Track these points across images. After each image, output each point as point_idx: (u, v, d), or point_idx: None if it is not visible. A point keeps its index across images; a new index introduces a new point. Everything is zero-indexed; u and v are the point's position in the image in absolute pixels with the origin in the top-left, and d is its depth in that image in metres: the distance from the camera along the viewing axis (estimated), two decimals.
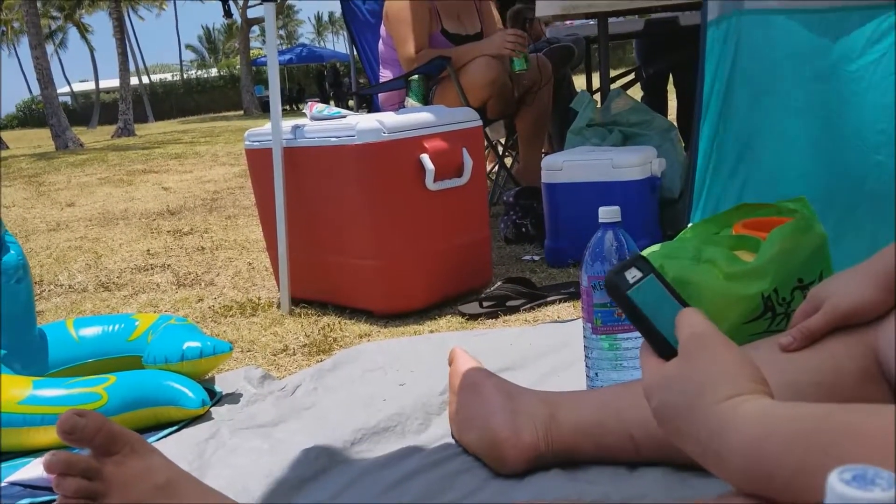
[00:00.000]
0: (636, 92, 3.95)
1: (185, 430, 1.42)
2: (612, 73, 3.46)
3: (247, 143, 2.22)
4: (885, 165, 1.44)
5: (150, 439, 1.38)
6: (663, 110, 4.10)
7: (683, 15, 3.59)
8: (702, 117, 1.73)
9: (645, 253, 1.34)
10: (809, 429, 0.59)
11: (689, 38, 3.58)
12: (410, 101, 2.95)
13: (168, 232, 3.68)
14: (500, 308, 1.97)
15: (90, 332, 1.68)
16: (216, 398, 1.54)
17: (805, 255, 1.29)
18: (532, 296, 2.02)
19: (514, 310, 1.97)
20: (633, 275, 0.79)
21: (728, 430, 0.66)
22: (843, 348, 0.93)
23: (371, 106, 3.36)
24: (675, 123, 3.53)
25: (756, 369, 0.70)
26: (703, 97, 1.72)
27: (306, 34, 77.47)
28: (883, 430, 0.55)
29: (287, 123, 2.12)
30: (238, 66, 29.04)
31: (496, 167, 3.58)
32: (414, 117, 2.05)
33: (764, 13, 1.59)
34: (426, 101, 2.93)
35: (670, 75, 4.10)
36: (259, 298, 2.30)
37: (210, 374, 1.64)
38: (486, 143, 3.09)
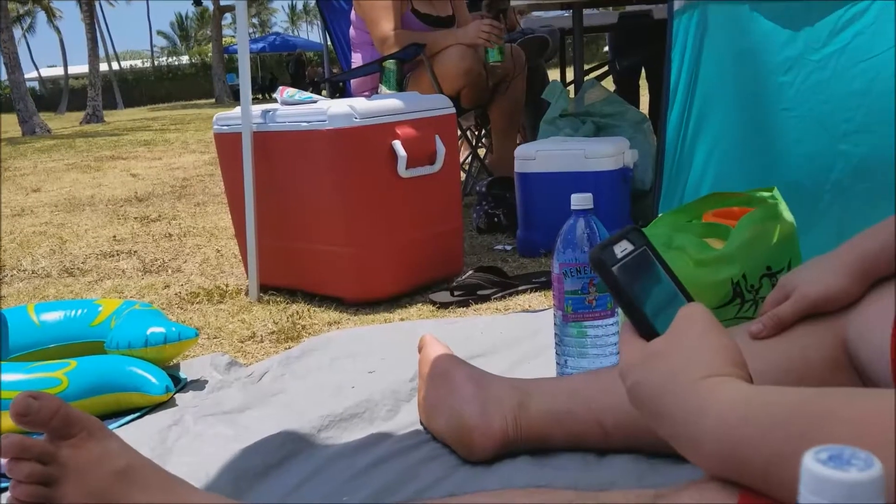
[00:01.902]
0: (609, 85, 3.96)
1: (147, 417, 1.39)
2: (586, 67, 3.45)
3: (216, 127, 2.18)
4: (850, 154, 1.45)
5: (112, 426, 1.35)
6: (635, 103, 4.11)
7: (656, 8, 3.59)
8: (669, 107, 1.73)
9: None
10: (786, 413, 0.59)
11: (661, 31, 3.60)
12: (384, 89, 2.92)
13: (135, 218, 3.62)
14: (470, 297, 1.96)
15: (52, 316, 1.64)
16: (181, 384, 1.52)
17: (773, 244, 1.29)
18: (503, 285, 2.01)
19: (485, 299, 1.96)
20: (622, 248, 0.75)
21: (704, 412, 0.65)
22: (813, 337, 0.93)
23: (344, 94, 3.33)
24: (648, 116, 3.54)
25: (738, 353, 0.69)
26: (669, 87, 1.72)
27: (280, 23, 76.88)
28: (860, 415, 0.55)
29: (257, 107, 2.09)
30: (210, 54, 28.69)
31: (469, 157, 3.57)
32: (386, 103, 2.02)
33: (729, 3, 1.59)
34: (400, 87, 2.91)
35: (643, 69, 4.11)
36: (227, 285, 2.26)
37: (175, 361, 1.61)
38: (459, 132, 3.07)
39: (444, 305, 1.94)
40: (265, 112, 2.06)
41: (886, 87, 1.35)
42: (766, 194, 1.38)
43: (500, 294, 1.98)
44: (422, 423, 1.22)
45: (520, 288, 2.00)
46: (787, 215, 1.31)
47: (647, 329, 0.74)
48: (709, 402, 0.65)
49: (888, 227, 0.90)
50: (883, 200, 1.37)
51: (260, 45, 31.01)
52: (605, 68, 4.08)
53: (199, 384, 1.51)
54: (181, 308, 2.09)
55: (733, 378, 0.66)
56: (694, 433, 0.65)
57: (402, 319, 1.87)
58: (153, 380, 1.42)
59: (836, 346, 0.92)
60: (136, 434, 1.27)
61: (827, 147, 1.46)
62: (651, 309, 0.74)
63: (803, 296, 0.93)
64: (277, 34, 37.59)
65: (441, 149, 2.08)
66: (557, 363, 1.31)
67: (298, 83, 24.30)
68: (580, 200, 1.29)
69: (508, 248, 2.51)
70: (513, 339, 1.62)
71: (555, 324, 1.31)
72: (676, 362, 0.69)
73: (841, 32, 1.40)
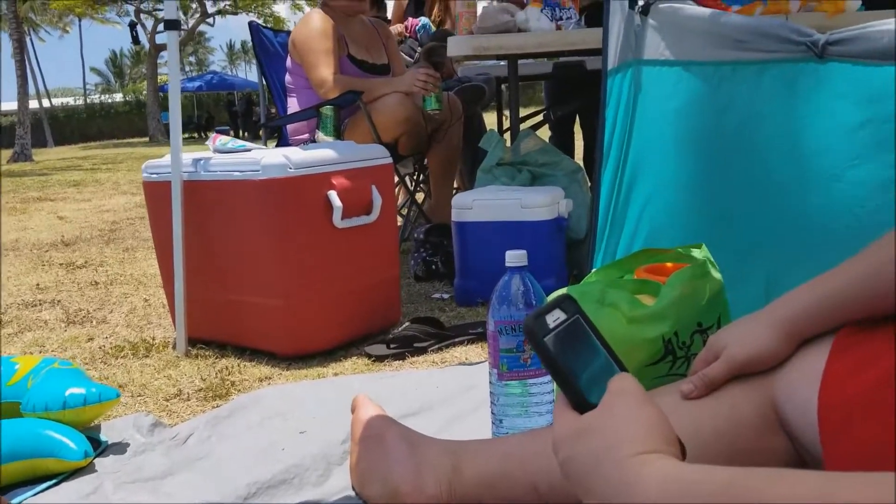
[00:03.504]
0: (545, 132, 4.02)
1: (64, 484, 1.32)
2: (522, 113, 3.51)
3: (145, 175, 2.13)
4: (779, 211, 1.48)
5: (26, 495, 1.28)
6: (570, 150, 4.19)
7: (590, 59, 3.68)
8: (603, 163, 1.76)
9: (550, 297, 1.33)
10: (714, 494, 0.58)
11: (594, 81, 3.69)
12: (321, 135, 2.91)
13: (60, 265, 3.50)
14: (406, 350, 1.93)
15: None
16: (101, 448, 1.45)
17: (703, 300, 1.31)
18: (439, 337, 1.99)
19: (422, 351, 1.94)
20: (555, 318, 0.74)
21: (634, 491, 0.64)
22: (744, 397, 0.94)
23: (281, 138, 3.31)
24: (583, 164, 3.60)
25: (670, 430, 0.69)
26: (604, 144, 1.75)
27: (218, 61, 76.28)
28: (783, 499, 0.54)
29: (188, 156, 2.04)
30: (145, 92, 28.29)
31: (407, 203, 3.57)
32: (321, 153, 2.01)
33: (661, 63, 1.63)
34: (338, 133, 2.90)
35: (577, 117, 4.20)
36: (154, 338, 2.19)
37: (96, 422, 1.53)
38: (396, 178, 3.07)
39: (379, 359, 1.90)
40: (196, 160, 2.01)
41: (814, 147, 1.39)
42: (694, 251, 1.40)
43: (436, 346, 1.96)
44: (354, 489, 1.18)
45: (456, 340, 1.99)
46: (716, 272, 1.33)
47: (579, 401, 0.73)
48: (639, 480, 0.64)
49: (813, 289, 0.91)
50: (810, 256, 1.41)
51: (197, 83, 30.73)
52: (541, 117, 4.15)
53: (120, 447, 1.44)
54: (104, 363, 2.01)
55: (664, 455, 0.66)
56: None
57: (336, 374, 1.83)
58: (71, 444, 1.36)
59: (766, 406, 0.93)
60: None
61: (757, 204, 1.50)
62: (584, 380, 0.74)
63: (732, 356, 0.94)
64: (215, 73, 37.28)
65: (377, 199, 2.07)
66: (493, 422, 1.29)
67: (248, 122, 24.15)
68: (515, 257, 1.29)
69: (446, 296, 2.50)
70: (449, 394, 1.60)
71: (490, 382, 1.30)
72: (608, 438, 0.68)
73: (768, 97, 1.44)
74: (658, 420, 0.69)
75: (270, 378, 1.83)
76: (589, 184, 2.94)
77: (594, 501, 0.68)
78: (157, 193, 2.08)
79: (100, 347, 2.14)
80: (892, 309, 0.86)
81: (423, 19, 4.16)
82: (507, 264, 1.28)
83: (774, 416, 0.92)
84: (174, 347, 2.07)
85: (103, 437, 1.49)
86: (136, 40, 22.14)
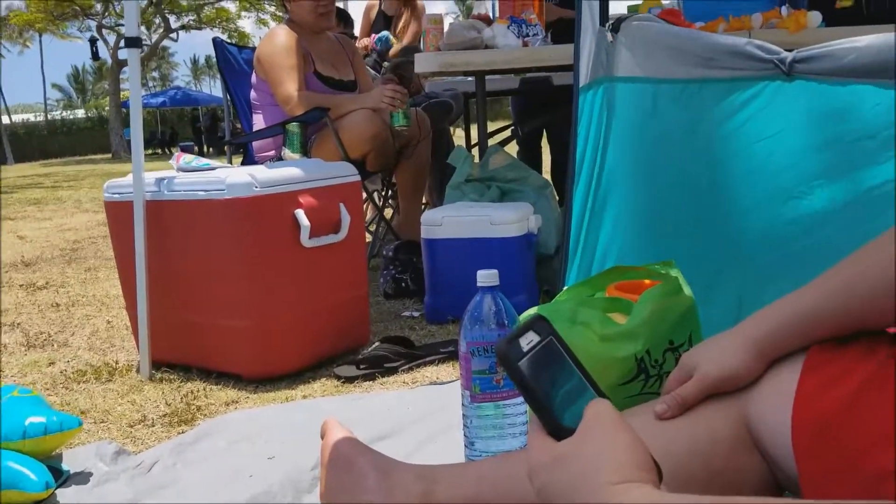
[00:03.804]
0: (512, 147, 4.04)
1: None
2: (491, 127, 3.51)
3: (106, 195, 2.08)
4: (748, 229, 1.49)
5: None
6: (538, 166, 4.20)
7: (556, 75, 3.70)
8: (575, 180, 1.75)
9: (521, 316, 1.32)
10: None
11: (561, 96, 3.71)
12: (288, 153, 2.88)
13: (20, 286, 3.41)
14: (377, 370, 1.91)
15: None
16: (63, 478, 1.40)
17: (675, 318, 1.31)
18: (410, 356, 1.97)
19: (392, 371, 1.91)
20: (528, 340, 0.73)
21: None
22: (717, 416, 0.93)
23: (246, 155, 3.27)
24: (550, 179, 3.62)
25: (647, 456, 0.68)
26: (575, 160, 1.75)
27: (182, 76, 75.56)
28: None
29: (151, 175, 2.00)
30: (107, 108, 27.93)
31: (376, 219, 3.55)
32: (288, 171, 1.98)
33: (632, 80, 1.64)
34: (305, 150, 2.87)
35: (544, 131, 4.22)
36: (117, 362, 2.14)
37: (57, 451, 1.48)
38: (364, 195, 3.05)
39: (349, 380, 1.88)
40: (159, 179, 1.98)
41: (782, 163, 1.40)
42: (665, 268, 1.40)
43: (407, 366, 1.93)
44: None
45: (427, 359, 1.97)
46: (687, 289, 1.32)
47: (554, 425, 0.71)
48: None
49: (783, 307, 0.91)
50: (780, 273, 1.41)
51: (160, 99, 30.41)
52: (509, 132, 4.17)
53: (82, 477, 1.40)
54: (66, 388, 1.96)
55: (642, 484, 0.65)
56: None
57: (304, 396, 1.80)
58: (31, 475, 1.31)
59: (740, 424, 0.92)
60: None
61: (727, 220, 1.50)
62: (559, 403, 0.72)
63: (705, 375, 0.93)
64: (179, 88, 36.92)
65: (346, 217, 2.05)
66: (465, 445, 1.27)
67: (213, 138, 23.95)
68: (486, 277, 1.27)
69: (416, 314, 2.48)
70: (420, 416, 1.58)
71: (462, 404, 1.28)
72: (585, 466, 0.67)
73: (736, 114, 1.45)
74: (634, 447, 0.68)
75: (237, 402, 1.79)
76: (557, 199, 2.95)
77: None
78: (119, 214, 2.04)
79: (61, 372, 2.08)
80: (862, 326, 0.86)
81: (384, 32, 4.17)
82: (479, 284, 1.27)
83: (748, 434, 0.92)
84: (138, 371, 2.02)
85: (65, 466, 1.44)
86: (95, 56, 21.86)
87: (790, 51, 1.38)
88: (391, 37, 4.15)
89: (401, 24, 4.21)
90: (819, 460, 0.82)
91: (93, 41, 21.09)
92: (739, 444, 0.92)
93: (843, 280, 0.87)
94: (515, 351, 0.73)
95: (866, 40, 1.28)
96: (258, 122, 3.06)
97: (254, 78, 3.04)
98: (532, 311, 1.40)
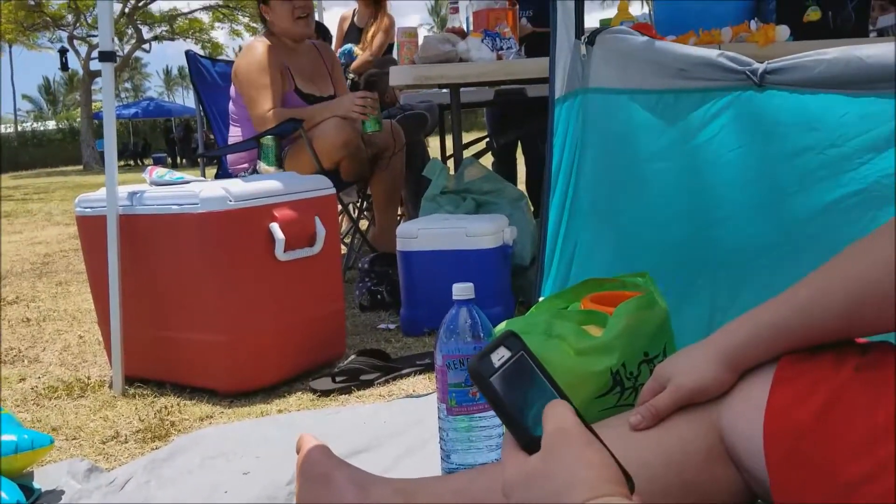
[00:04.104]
0: (487, 159, 4.05)
1: None
2: (465, 139, 3.53)
3: (78, 209, 2.06)
4: (720, 239, 1.51)
5: None
6: (513, 177, 4.22)
7: (530, 87, 3.73)
8: (550, 192, 1.77)
9: (496, 329, 1.33)
10: None
11: (536, 108, 3.74)
12: (263, 165, 2.87)
13: None
14: (353, 383, 1.90)
15: None
16: (34, 497, 1.38)
17: (650, 330, 1.32)
18: (386, 369, 1.97)
19: (368, 384, 1.91)
20: (500, 356, 0.74)
21: None
22: (690, 427, 0.94)
23: (220, 168, 3.25)
24: (525, 190, 3.64)
25: (617, 471, 0.68)
26: (551, 172, 1.76)
27: (155, 87, 74.91)
28: None
29: (124, 189, 1.98)
30: (79, 119, 27.62)
31: (351, 230, 3.54)
32: (263, 185, 1.97)
33: (607, 92, 1.66)
34: (279, 163, 2.87)
35: (519, 143, 4.24)
36: (89, 377, 2.11)
37: (28, 469, 1.46)
38: (339, 206, 3.05)
39: (325, 393, 1.87)
40: (132, 193, 1.96)
41: (755, 173, 1.42)
42: (639, 279, 1.41)
43: (383, 379, 1.93)
44: None
45: (403, 371, 1.96)
46: (661, 301, 1.34)
47: (527, 441, 0.72)
48: None
49: (754, 318, 0.93)
50: (753, 282, 1.43)
51: (133, 110, 30.17)
52: (484, 144, 4.19)
53: (55, 495, 1.38)
54: (37, 404, 1.93)
55: (616, 497, 0.65)
56: None
57: (280, 410, 1.78)
58: (3, 494, 1.29)
59: (713, 435, 0.94)
60: None
61: (700, 230, 1.52)
62: (531, 418, 0.73)
63: (678, 386, 0.94)
64: (151, 99, 36.69)
65: (321, 230, 2.04)
66: (442, 458, 1.27)
67: (186, 149, 23.79)
68: (462, 290, 1.27)
69: (392, 326, 2.48)
70: (397, 429, 1.57)
71: (439, 417, 1.28)
72: (557, 484, 0.68)
73: (709, 125, 1.47)
74: (603, 461, 0.69)
75: (212, 417, 1.77)
76: (532, 210, 2.96)
77: None
78: (91, 228, 2.02)
79: (32, 388, 2.05)
80: (830, 339, 0.88)
81: (347, 45, 4.18)
82: (455, 297, 1.27)
83: (721, 445, 0.93)
84: (111, 387, 2.00)
85: (36, 484, 1.42)
86: (65, 66, 21.66)
87: (761, 62, 1.41)
88: (354, 48, 4.16)
89: (369, 36, 4.23)
90: (790, 471, 0.83)
91: (62, 52, 20.89)
92: (713, 455, 0.93)
93: (812, 292, 0.88)
94: (487, 367, 0.73)
95: (835, 52, 1.31)
96: (236, 134, 3.05)
97: (232, 91, 3.03)
98: (504, 325, 1.41)
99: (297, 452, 1.21)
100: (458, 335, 1.26)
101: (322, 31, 4.36)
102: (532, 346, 1.30)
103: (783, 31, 2.58)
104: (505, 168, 4.15)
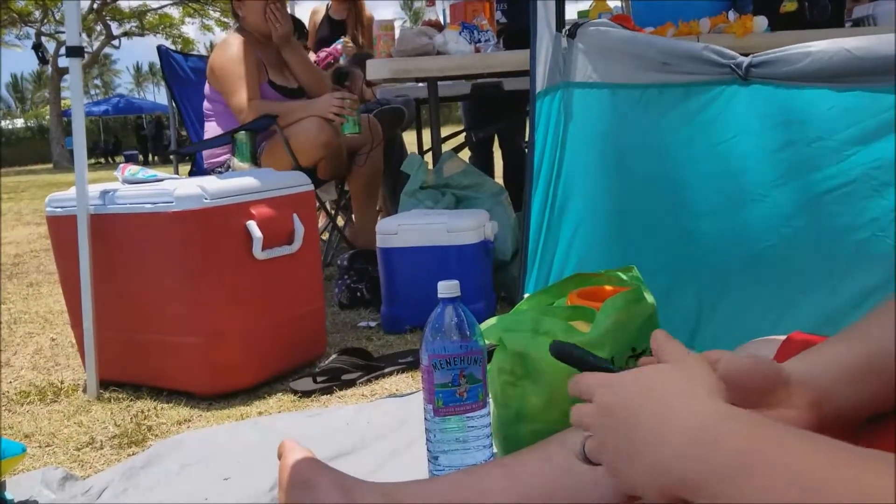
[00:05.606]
0: (465, 153, 4.02)
1: None
2: (443, 133, 3.49)
3: (48, 209, 2.00)
4: (706, 233, 1.49)
5: None
6: (490, 171, 4.20)
7: (507, 80, 3.70)
8: (533, 186, 1.74)
9: (483, 327, 1.30)
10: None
11: (512, 101, 3.72)
12: (237, 162, 2.82)
13: None
14: (334, 383, 1.86)
15: None
16: None
17: (638, 325, 1.30)
18: (368, 368, 1.93)
19: (350, 384, 1.87)
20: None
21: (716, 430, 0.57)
22: None
23: (194, 164, 3.20)
24: (503, 184, 3.61)
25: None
26: (533, 166, 1.74)
27: (125, 84, 73.91)
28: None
29: (95, 188, 1.93)
30: (48, 117, 27.17)
31: (328, 227, 3.50)
32: (239, 182, 1.93)
33: (589, 86, 1.63)
34: (254, 159, 2.82)
35: (496, 136, 4.21)
36: (62, 381, 2.05)
37: (1, 479, 1.41)
38: (317, 203, 3.00)
39: (306, 394, 1.83)
40: (104, 192, 1.91)
41: (739, 167, 1.41)
42: (625, 274, 1.39)
43: (365, 378, 1.90)
44: None
45: (386, 370, 1.93)
46: (649, 296, 1.32)
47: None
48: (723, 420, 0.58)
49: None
50: (738, 276, 1.42)
51: (103, 107, 29.72)
52: (462, 138, 4.16)
53: None
54: (9, 410, 1.87)
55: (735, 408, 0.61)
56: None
57: (260, 412, 1.75)
58: None
59: None
60: None
61: (685, 224, 1.51)
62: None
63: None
64: (122, 96, 36.10)
65: (299, 228, 2.00)
66: (429, 460, 1.25)
67: (158, 146, 23.50)
68: (447, 288, 1.24)
69: (373, 324, 2.44)
70: (381, 431, 1.54)
71: (425, 418, 1.25)
72: (680, 380, 0.64)
73: (694, 119, 1.45)
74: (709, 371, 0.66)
75: (190, 420, 1.73)
76: (512, 204, 2.94)
77: (662, 449, 0.59)
78: (62, 228, 1.96)
79: (3, 393, 1.99)
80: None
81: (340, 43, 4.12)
82: (440, 295, 1.24)
83: None
84: (85, 391, 1.94)
85: (8, 495, 1.37)
86: (43, 60, 21.29)
87: (746, 55, 1.39)
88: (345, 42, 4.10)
89: (360, 39, 4.17)
90: None
91: (36, 47, 20.53)
92: None
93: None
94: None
95: (820, 45, 1.30)
96: (211, 129, 3.00)
97: (207, 88, 2.99)
98: (492, 320, 1.38)
99: (279, 458, 1.18)
100: (445, 334, 1.22)
101: (298, 27, 4.29)
102: (520, 344, 1.28)
103: (761, 21, 2.58)
104: (482, 162, 4.12)
